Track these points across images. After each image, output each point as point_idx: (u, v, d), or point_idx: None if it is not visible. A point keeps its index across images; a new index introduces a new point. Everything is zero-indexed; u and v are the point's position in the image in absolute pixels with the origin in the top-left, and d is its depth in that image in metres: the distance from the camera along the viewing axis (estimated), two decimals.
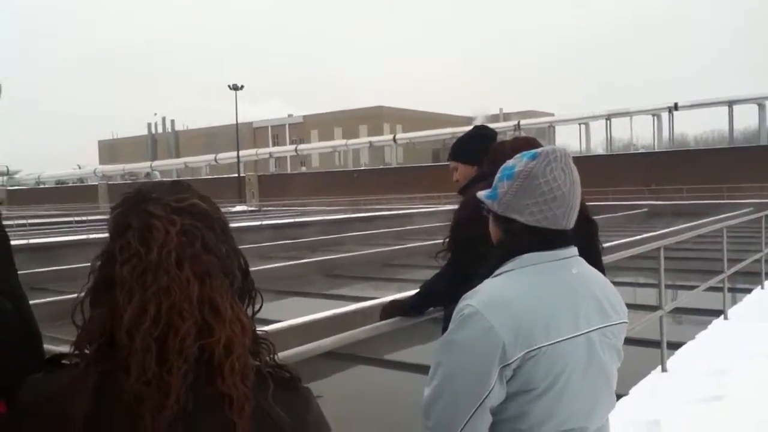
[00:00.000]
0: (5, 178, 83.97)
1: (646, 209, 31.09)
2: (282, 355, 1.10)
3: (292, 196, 47.43)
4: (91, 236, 18.27)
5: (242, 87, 53.36)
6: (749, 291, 8.27)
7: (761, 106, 46.74)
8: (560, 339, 1.34)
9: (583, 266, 1.48)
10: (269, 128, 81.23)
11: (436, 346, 1.40)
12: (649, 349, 5.61)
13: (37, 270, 12.65)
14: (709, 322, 6.61)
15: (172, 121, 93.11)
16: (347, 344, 2.41)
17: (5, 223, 1.21)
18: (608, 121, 52.14)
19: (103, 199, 57.51)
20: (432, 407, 1.36)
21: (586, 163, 27.51)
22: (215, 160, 69.76)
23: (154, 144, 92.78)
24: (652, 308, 5.88)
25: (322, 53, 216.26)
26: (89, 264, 0.96)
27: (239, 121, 55.95)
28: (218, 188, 40.57)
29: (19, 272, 1.17)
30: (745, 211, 19.80)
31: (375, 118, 71.66)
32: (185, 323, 0.88)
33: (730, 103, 47.74)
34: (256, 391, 0.91)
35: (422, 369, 1.59)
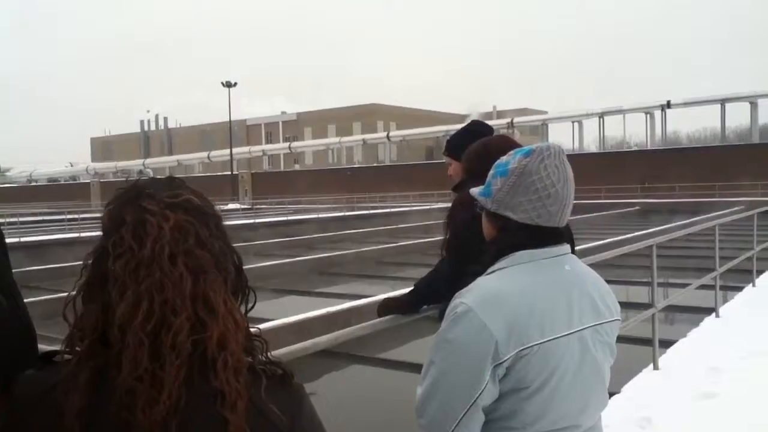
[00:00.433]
0: None
1: (638, 207, 31.26)
2: (276, 353, 1.10)
3: (286, 194, 47.34)
4: (83, 234, 18.21)
5: (236, 84, 53.14)
6: (741, 289, 8.32)
7: (753, 104, 46.98)
8: (554, 337, 1.33)
9: (576, 263, 1.48)
10: (263, 126, 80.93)
11: (432, 344, 1.40)
12: (642, 347, 5.64)
13: (28, 268, 12.61)
14: (701, 320, 6.64)
15: (165, 119, 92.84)
16: (342, 342, 2.40)
17: None
18: (601, 119, 52.22)
19: (95, 196, 57.10)
20: (425, 406, 1.36)
21: (579, 160, 27.66)
22: (208, 157, 69.60)
23: (146, 141, 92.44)
24: (645, 306, 5.90)
25: (319, 51, 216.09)
26: (81, 261, 0.96)
27: (232, 119, 55.81)
28: (211, 186, 40.39)
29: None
30: (737, 209, 19.94)
31: (369, 115, 71.47)
32: (178, 318, 0.88)
33: (723, 101, 47.94)
34: (249, 387, 0.91)
35: (416, 367, 1.59)
